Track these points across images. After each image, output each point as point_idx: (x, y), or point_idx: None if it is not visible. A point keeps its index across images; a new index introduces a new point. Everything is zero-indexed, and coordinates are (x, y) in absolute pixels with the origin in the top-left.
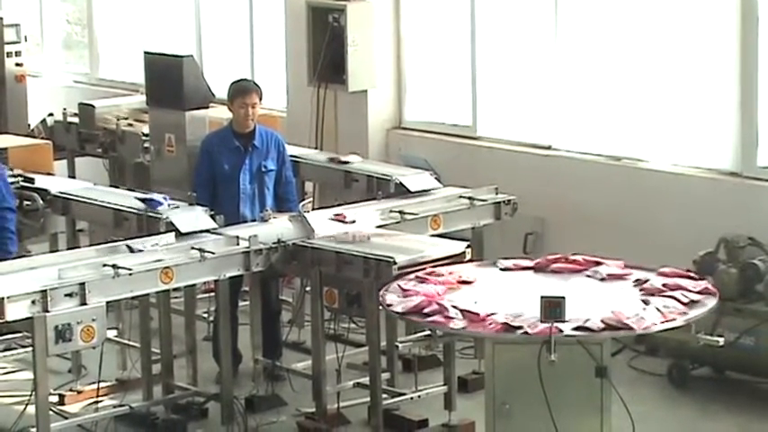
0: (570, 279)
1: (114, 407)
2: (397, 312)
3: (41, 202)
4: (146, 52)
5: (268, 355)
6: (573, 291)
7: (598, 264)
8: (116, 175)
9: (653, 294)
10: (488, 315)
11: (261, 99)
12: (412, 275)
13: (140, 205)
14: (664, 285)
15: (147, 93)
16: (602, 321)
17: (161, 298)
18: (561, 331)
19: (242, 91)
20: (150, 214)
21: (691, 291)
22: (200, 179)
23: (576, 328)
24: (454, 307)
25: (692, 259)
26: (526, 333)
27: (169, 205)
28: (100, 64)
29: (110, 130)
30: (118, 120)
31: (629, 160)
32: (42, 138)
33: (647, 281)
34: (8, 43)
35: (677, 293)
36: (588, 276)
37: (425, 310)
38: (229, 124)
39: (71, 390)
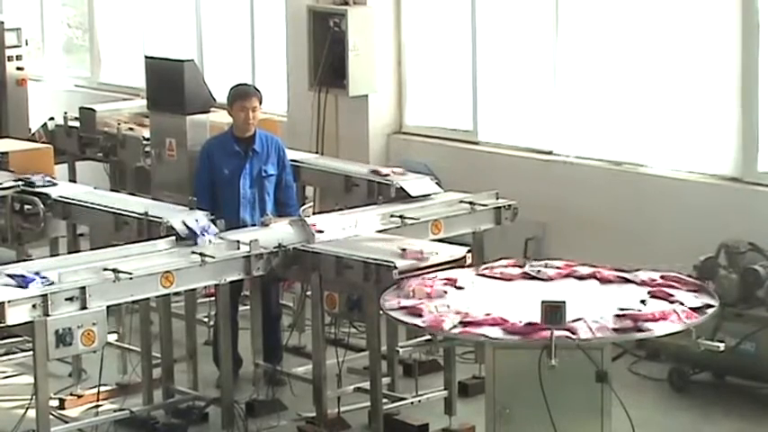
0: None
1: (115, 411)
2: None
3: (42, 206)
4: (147, 56)
5: (268, 359)
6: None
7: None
8: (117, 179)
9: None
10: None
11: (261, 103)
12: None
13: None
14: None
15: (147, 97)
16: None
17: (161, 302)
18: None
19: (242, 95)
20: (151, 218)
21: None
22: (200, 184)
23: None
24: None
25: (692, 264)
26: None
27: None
28: (101, 68)
29: (111, 134)
30: (119, 124)
31: (630, 165)
32: (43, 142)
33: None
34: (9, 47)
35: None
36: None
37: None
38: (230, 129)
39: (71, 394)
